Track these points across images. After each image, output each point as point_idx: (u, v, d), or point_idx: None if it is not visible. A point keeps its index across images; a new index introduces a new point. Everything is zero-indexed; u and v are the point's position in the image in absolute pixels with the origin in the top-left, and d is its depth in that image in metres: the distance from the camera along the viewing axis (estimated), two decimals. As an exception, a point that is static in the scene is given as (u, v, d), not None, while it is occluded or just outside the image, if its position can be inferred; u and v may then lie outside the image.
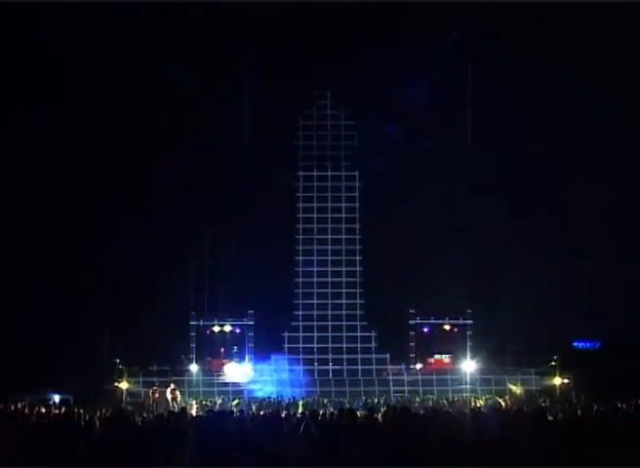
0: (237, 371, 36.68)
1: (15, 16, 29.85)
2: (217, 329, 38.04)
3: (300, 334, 38.61)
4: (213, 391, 35.53)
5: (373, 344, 38.48)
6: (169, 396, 31.78)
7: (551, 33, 32.21)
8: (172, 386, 32.73)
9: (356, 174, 40.13)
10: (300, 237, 39.59)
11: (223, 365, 37.46)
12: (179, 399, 32.15)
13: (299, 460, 8.16)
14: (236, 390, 35.63)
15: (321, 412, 16.53)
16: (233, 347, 38.18)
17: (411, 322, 38.21)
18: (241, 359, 37.67)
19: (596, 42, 30.87)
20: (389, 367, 37.87)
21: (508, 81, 33.90)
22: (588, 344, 38.33)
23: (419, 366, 37.71)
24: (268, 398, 33.84)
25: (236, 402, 33.29)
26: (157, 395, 32.24)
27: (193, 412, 24.33)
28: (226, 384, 36.18)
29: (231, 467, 8.14)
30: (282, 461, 8.12)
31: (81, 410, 19.56)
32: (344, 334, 38.64)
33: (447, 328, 38.40)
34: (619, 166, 33.89)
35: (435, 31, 33.87)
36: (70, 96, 33.20)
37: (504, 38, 33.20)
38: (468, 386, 36.61)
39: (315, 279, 39.32)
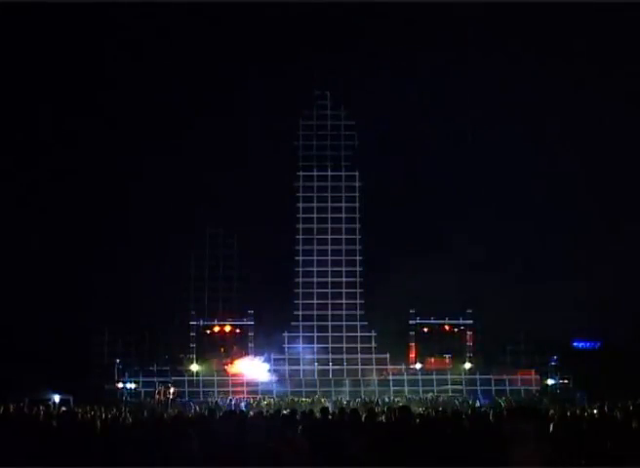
0: (253, 368, 36.74)
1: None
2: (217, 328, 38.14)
3: (300, 334, 38.58)
4: (213, 391, 35.65)
5: (373, 344, 38.46)
6: (170, 396, 31.76)
7: (553, 32, 32.25)
8: (171, 389, 32.73)
9: (356, 174, 40.12)
10: (300, 237, 39.57)
11: (225, 365, 37.49)
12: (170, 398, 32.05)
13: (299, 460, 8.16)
14: (236, 391, 35.74)
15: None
16: (233, 347, 38.23)
17: (411, 322, 38.21)
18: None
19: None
20: (389, 367, 37.86)
21: (509, 79, 33.95)
22: (588, 344, 38.36)
23: (419, 366, 37.69)
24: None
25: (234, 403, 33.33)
26: (161, 395, 32.13)
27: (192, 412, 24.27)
28: (226, 384, 36.26)
29: (231, 467, 8.13)
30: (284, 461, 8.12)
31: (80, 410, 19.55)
32: (344, 334, 38.63)
33: (447, 328, 38.41)
34: (620, 167, 33.95)
35: (435, 31, 33.90)
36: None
37: (505, 36, 33.24)
38: (468, 386, 36.63)
39: (315, 279, 39.30)
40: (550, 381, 36.27)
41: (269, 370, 36.99)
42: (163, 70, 34.25)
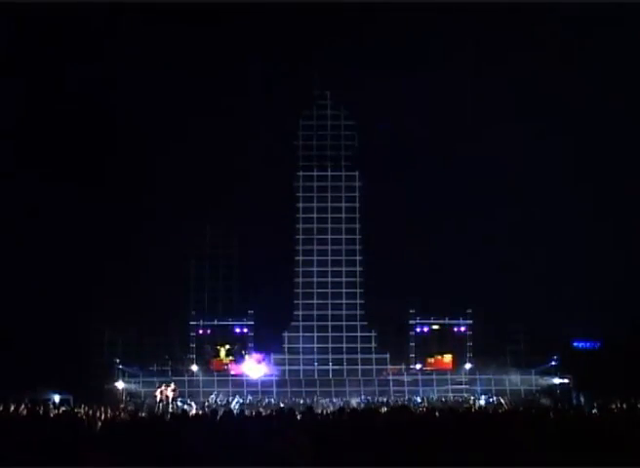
0: (254, 369, 36.78)
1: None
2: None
3: (301, 334, 38.61)
4: (212, 391, 35.75)
5: (373, 344, 38.48)
6: (170, 394, 31.71)
7: (552, 32, 32.29)
8: (172, 385, 32.69)
9: (356, 174, 40.15)
10: (300, 237, 39.58)
11: (225, 364, 37.56)
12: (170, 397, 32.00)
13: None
14: (236, 390, 35.84)
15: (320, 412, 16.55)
16: (233, 347, 38.27)
17: (411, 322, 38.22)
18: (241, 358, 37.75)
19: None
20: (389, 367, 37.90)
21: (507, 78, 33.98)
22: (588, 344, 38.36)
23: (418, 366, 37.72)
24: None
25: (236, 400, 33.47)
26: (163, 394, 32.01)
27: (193, 411, 24.36)
28: (226, 384, 36.36)
29: (231, 467, 8.13)
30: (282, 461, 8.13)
31: (81, 410, 19.60)
32: (344, 334, 38.65)
33: (447, 328, 38.42)
34: (621, 168, 33.98)
35: (435, 31, 33.88)
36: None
37: (503, 35, 33.26)
38: (468, 386, 36.71)
39: (315, 279, 39.31)
40: (550, 381, 36.31)
41: (270, 371, 37.04)
42: (163, 71, 34.23)
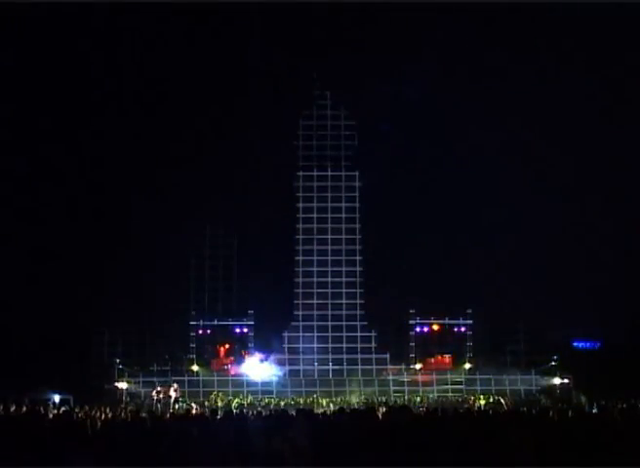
0: (259, 369, 36.76)
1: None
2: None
3: (301, 334, 38.62)
4: (213, 391, 35.76)
5: (373, 344, 38.48)
6: (172, 394, 31.68)
7: (549, 32, 32.35)
8: (175, 386, 32.67)
9: (356, 174, 40.14)
10: (300, 237, 39.56)
11: (225, 364, 37.59)
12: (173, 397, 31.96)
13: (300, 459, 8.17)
14: (236, 390, 35.85)
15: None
16: (233, 347, 38.31)
17: (411, 322, 38.22)
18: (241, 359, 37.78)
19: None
20: (389, 367, 37.89)
21: (506, 80, 34.03)
22: (588, 344, 38.39)
23: (418, 366, 37.72)
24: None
25: (236, 401, 33.50)
26: (162, 394, 31.93)
27: (193, 411, 24.34)
28: (227, 384, 36.38)
29: (231, 467, 8.13)
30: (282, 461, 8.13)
31: (82, 410, 19.60)
32: (344, 334, 38.65)
33: (447, 328, 38.43)
34: (621, 168, 34.04)
35: (435, 31, 33.93)
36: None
37: (503, 37, 33.31)
38: (468, 386, 36.70)
39: (315, 279, 39.29)
40: (550, 381, 36.32)
41: (273, 371, 37.04)
42: (162, 71, 34.27)
